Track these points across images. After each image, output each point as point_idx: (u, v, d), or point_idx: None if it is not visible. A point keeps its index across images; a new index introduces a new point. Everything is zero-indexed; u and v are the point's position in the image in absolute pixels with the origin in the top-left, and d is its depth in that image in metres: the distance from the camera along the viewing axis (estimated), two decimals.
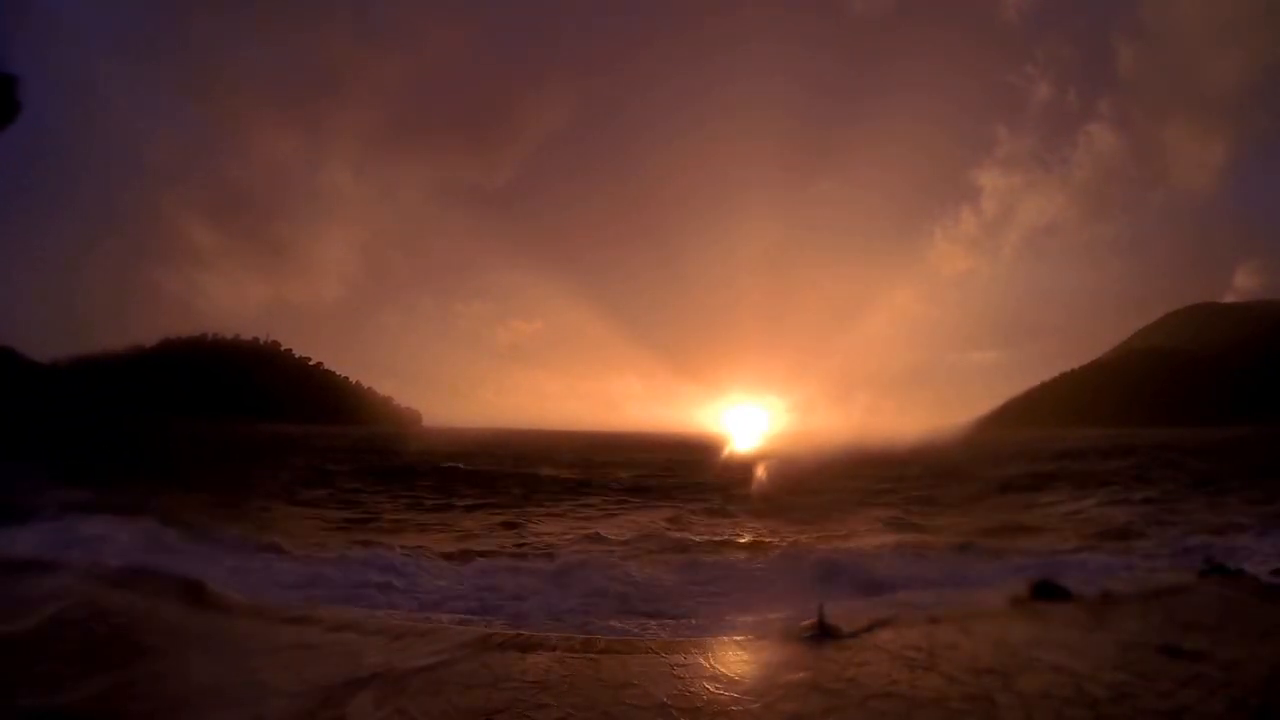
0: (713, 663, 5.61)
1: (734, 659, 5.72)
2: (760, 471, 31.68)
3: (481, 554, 13.82)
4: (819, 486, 27.36)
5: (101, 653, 5.32)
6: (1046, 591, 9.65)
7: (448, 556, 13.25)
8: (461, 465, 41.90)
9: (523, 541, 16.24)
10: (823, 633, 6.07)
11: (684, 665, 5.57)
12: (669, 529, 17.84)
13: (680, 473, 38.25)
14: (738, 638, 6.43)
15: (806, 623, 6.28)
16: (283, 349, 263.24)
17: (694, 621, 9.24)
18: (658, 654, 5.90)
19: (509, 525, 18.79)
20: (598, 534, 16.83)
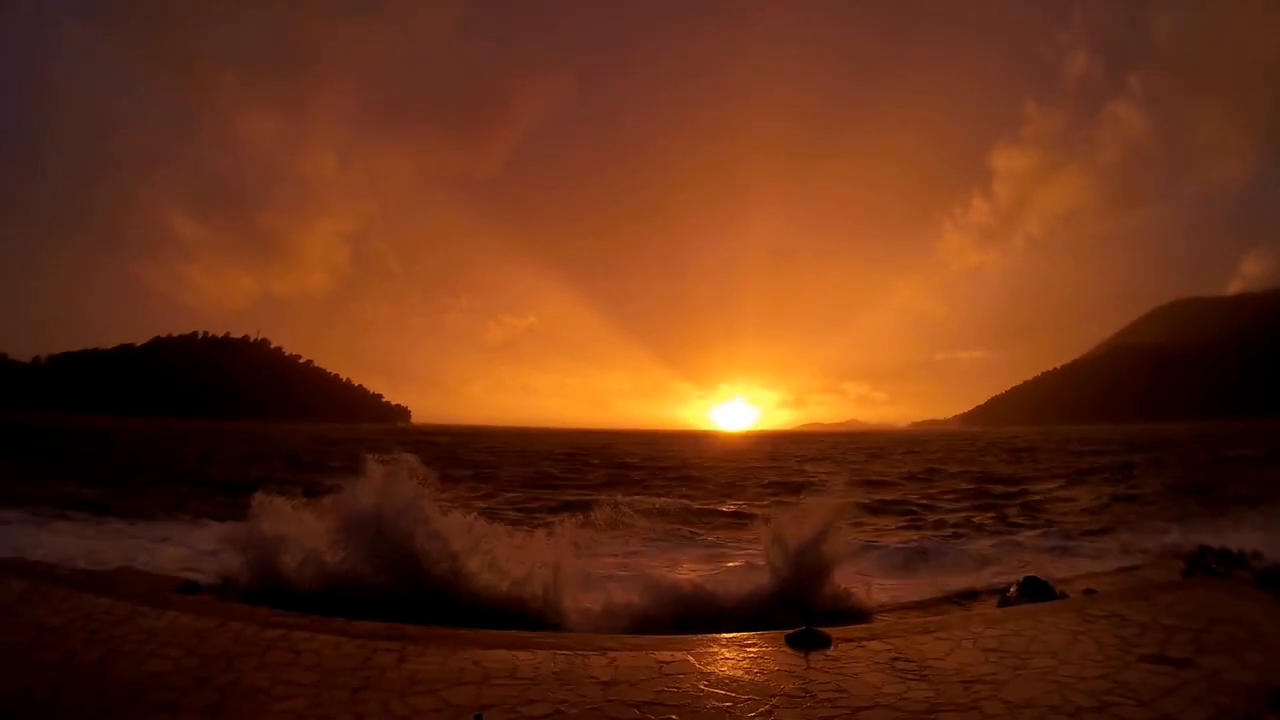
0: (701, 663, 5.62)
1: (722, 659, 5.72)
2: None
3: None
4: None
5: (83, 660, 5.23)
6: (1033, 590, 9.75)
7: None
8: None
9: None
10: (811, 639, 6.07)
11: (671, 664, 5.59)
12: None
13: None
14: (725, 637, 6.43)
15: (794, 630, 6.28)
16: (272, 346, 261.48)
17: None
18: (646, 652, 5.90)
19: None
20: None
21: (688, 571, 12.30)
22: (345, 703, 4.71)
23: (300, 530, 10.51)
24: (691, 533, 17.41)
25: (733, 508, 22.61)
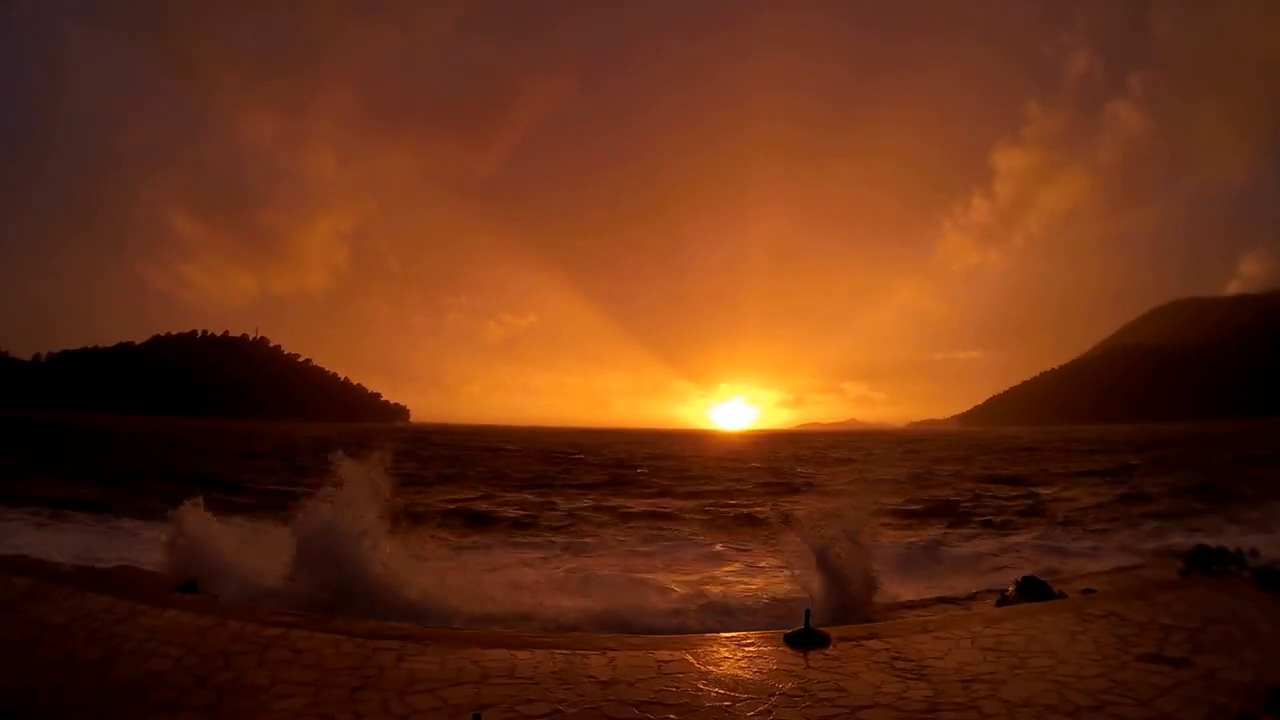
0: (700, 662, 5.63)
1: (721, 659, 5.73)
2: None
3: None
4: None
5: (85, 658, 5.25)
6: (1032, 590, 9.77)
7: None
8: None
9: None
10: (810, 638, 6.07)
11: (670, 663, 5.60)
12: None
13: None
14: (724, 636, 6.44)
15: (792, 629, 6.29)
16: (271, 345, 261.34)
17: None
18: (645, 651, 5.91)
19: None
20: None
21: (692, 572, 12.33)
22: (344, 701, 4.72)
23: (269, 555, 9.82)
24: (691, 534, 17.45)
25: (733, 508, 22.64)
